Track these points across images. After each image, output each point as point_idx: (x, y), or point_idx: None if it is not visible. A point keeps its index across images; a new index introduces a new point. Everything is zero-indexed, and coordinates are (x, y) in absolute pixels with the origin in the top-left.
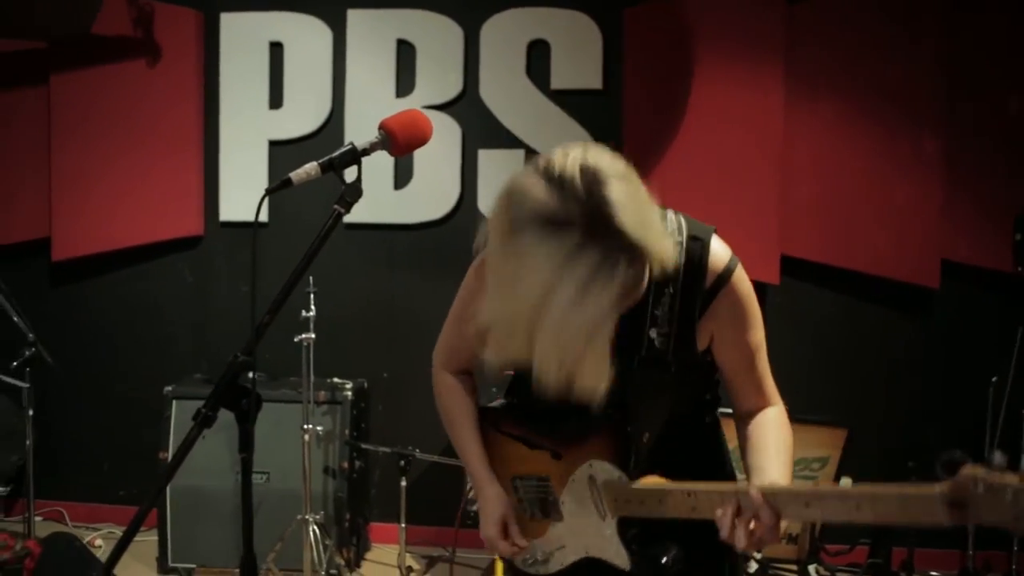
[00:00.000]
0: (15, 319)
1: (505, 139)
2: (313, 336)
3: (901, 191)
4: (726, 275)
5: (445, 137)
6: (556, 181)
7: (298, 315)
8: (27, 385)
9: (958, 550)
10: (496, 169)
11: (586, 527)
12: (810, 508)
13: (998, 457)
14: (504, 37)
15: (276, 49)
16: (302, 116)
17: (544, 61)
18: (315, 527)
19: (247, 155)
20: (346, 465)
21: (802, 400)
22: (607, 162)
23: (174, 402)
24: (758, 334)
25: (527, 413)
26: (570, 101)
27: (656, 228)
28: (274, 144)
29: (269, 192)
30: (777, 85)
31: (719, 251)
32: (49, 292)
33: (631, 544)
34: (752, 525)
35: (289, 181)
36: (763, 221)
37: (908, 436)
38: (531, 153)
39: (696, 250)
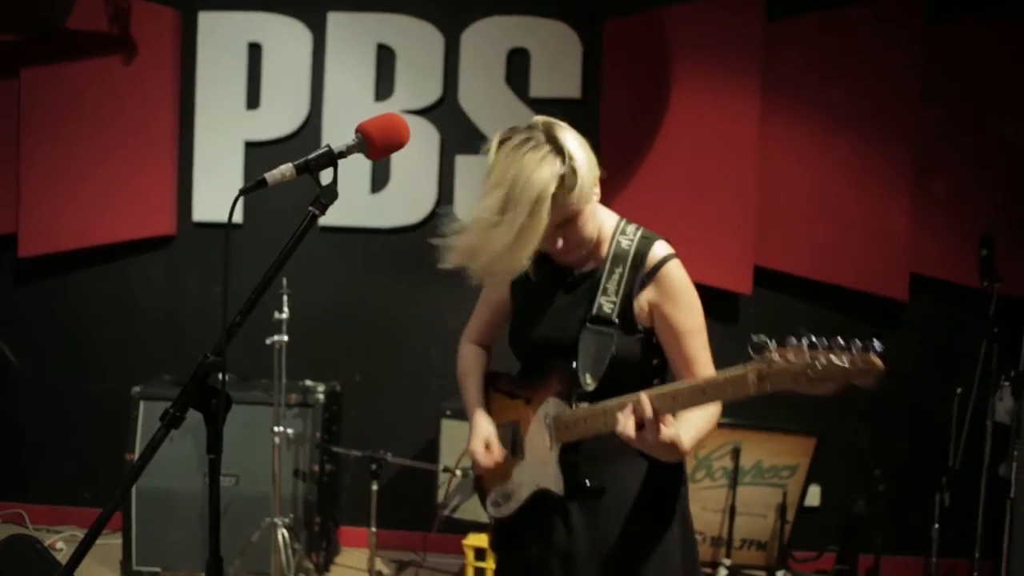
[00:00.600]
0: None
1: (483, 146)
2: (286, 338)
3: (874, 205)
4: (662, 263)
5: (423, 142)
6: (525, 126)
7: (271, 317)
8: None
9: (922, 556)
10: (473, 175)
11: (538, 461)
12: (676, 400)
13: (803, 334)
14: (484, 44)
15: (254, 50)
16: (279, 118)
17: (524, 69)
18: (284, 531)
19: (222, 155)
20: (316, 468)
21: (771, 410)
22: (566, 127)
23: (142, 403)
24: (690, 318)
25: (519, 373)
26: (548, 109)
27: (590, 177)
28: (250, 145)
29: (244, 192)
30: (754, 98)
31: (661, 248)
32: (14, 289)
33: (566, 471)
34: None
35: (264, 182)
36: (738, 232)
37: (875, 445)
38: None
39: (644, 245)
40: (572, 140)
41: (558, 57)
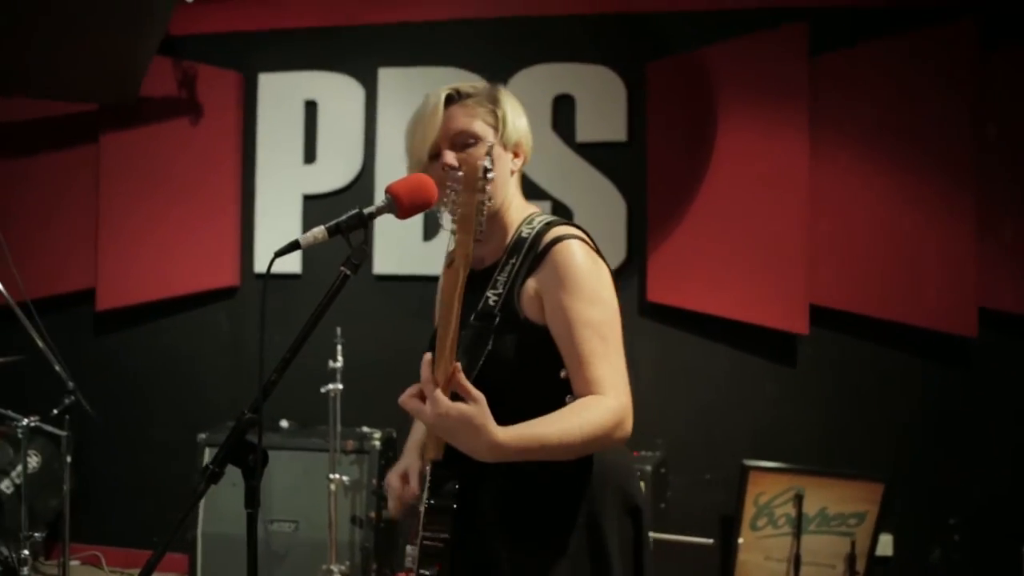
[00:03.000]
0: (56, 368)
1: (531, 192)
2: (341, 387)
3: (932, 239)
4: (555, 241)
5: None
6: None
7: (326, 365)
8: (65, 433)
9: None
10: None
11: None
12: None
13: None
14: (530, 92)
15: (310, 107)
16: (335, 171)
17: (569, 115)
18: None
19: (282, 208)
20: (373, 515)
21: (836, 454)
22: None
23: (207, 449)
24: (585, 308)
25: None
26: (595, 153)
27: (496, 110)
28: (308, 198)
29: (278, 255)
30: (802, 135)
31: (563, 229)
32: (92, 341)
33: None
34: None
35: (297, 244)
36: (790, 270)
37: (948, 490)
38: (557, 205)
39: (544, 229)
40: (504, 90)
41: (603, 102)
